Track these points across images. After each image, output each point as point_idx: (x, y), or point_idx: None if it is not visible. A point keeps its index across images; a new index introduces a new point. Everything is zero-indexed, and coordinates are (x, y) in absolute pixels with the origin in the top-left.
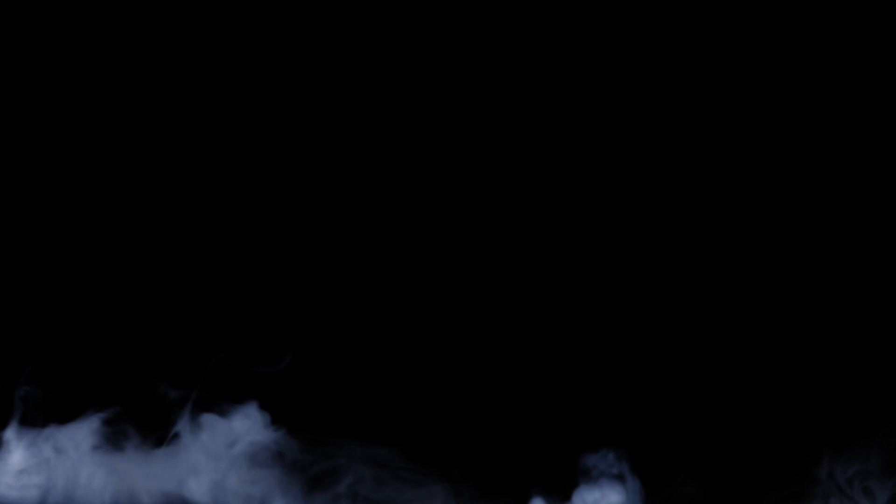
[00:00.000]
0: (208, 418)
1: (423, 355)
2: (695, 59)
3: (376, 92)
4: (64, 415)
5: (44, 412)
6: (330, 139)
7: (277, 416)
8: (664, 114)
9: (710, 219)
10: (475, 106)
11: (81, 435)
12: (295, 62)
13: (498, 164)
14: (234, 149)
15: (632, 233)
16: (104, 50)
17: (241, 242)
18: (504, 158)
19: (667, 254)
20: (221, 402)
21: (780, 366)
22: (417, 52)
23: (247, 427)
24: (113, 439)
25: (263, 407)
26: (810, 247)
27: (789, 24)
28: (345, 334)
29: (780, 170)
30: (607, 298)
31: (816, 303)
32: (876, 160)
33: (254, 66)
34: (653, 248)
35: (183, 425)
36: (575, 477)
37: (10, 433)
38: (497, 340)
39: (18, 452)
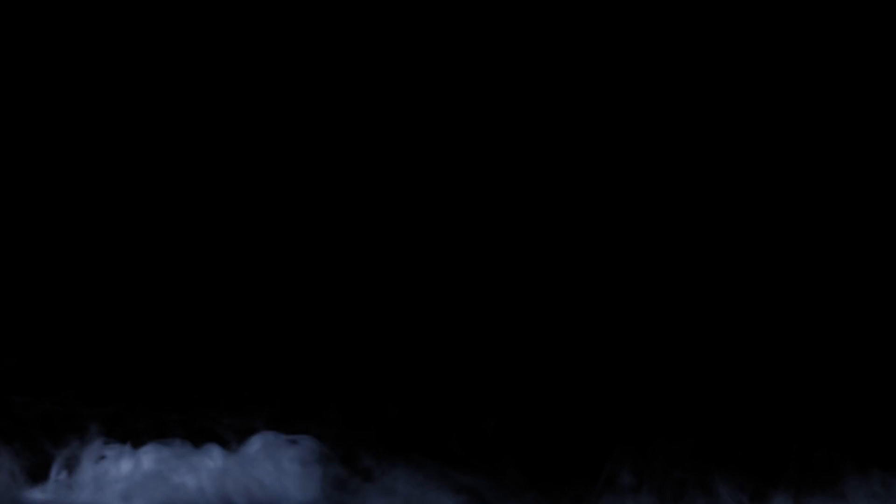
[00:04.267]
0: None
1: (435, 356)
2: (695, 59)
3: (376, 92)
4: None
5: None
6: (322, 149)
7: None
8: (664, 114)
9: (711, 217)
10: (475, 106)
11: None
12: (295, 62)
13: (498, 164)
14: (236, 163)
15: (640, 235)
16: (104, 50)
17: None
18: (505, 158)
19: (672, 256)
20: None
21: (787, 366)
22: (417, 52)
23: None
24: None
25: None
26: (810, 249)
27: (789, 25)
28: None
29: (780, 170)
30: (615, 300)
31: (822, 302)
32: (876, 160)
33: (254, 66)
34: (660, 250)
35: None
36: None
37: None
38: (509, 344)
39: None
